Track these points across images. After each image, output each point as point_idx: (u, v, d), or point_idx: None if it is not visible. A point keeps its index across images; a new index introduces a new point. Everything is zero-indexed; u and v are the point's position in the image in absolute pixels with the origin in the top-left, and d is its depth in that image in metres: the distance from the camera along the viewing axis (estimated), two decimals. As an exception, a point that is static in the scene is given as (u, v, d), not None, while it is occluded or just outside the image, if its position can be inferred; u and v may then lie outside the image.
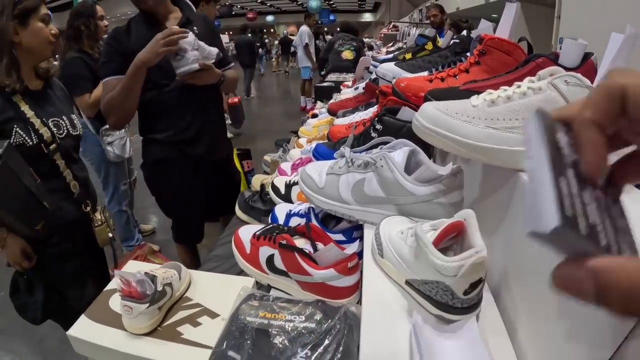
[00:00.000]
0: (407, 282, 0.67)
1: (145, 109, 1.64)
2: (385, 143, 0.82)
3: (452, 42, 1.12)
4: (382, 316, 0.64)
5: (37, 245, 1.41)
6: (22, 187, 1.24)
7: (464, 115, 0.68)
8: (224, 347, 0.70)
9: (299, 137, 1.85)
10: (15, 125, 1.29)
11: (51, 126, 1.38)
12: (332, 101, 1.95)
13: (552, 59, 0.75)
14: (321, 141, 1.31)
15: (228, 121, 4.79)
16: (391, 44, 4.42)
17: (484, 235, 0.61)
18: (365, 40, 7.91)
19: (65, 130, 1.44)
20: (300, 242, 0.84)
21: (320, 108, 2.45)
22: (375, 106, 1.20)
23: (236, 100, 5.15)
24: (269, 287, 0.88)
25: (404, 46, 2.08)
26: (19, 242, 1.37)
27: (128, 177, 2.80)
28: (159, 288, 0.80)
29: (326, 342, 0.70)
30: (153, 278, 0.80)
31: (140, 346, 0.79)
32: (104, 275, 1.69)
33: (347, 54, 4.95)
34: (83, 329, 0.84)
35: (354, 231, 0.87)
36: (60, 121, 1.43)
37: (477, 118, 0.67)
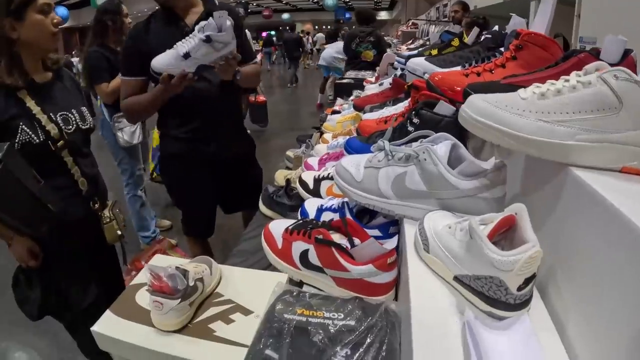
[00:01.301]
0: (456, 278, 0.66)
1: (163, 105, 1.65)
2: (424, 137, 0.81)
3: (483, 37, 1.12)
4: (432, 314, 0.64)
5: (43, 243, 1.39)
6: (24, 191, 1.21)
7: (513, 108, 0.67)
8: (261, 345, 0.69)
9: (322, 133, 1.85)
10: (20, 123, 1.26)
11: (59, 121, 1.35)
12: (352, 97, 1.95)
13: (594, 55, 0.75)
14: (347, 136, 1.30)
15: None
16: (410, 41, 4.41)
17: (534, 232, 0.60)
18: (385, 38, 7.98)
19: (75, 125, 1.41)
20: (336, 238, 0.83)
21: (342, 104, 2.47)
22: (406, 101, 1.20)
23: (261, 99, 5.06)
24: (300, 284, 0.87)
25: (427, 43, 2.08)
26: (25, 241, 1.35)
27: (142, 163, 3.00)
28: (191, 283, 0.79)
29: (368, 340, 0.70)
30: (184, 273, 0.79)
31: (170, 343, 0.78)
32: (114, 272, 1.69)
33: (367, 55, 4.86)
34: (108, 325, 0.83)
35: (390, 226, 0.87)
36: (70, 115, 1.40)
37: (527, 111, 0.67)
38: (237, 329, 0.80)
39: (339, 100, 2.72)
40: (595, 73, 0.66)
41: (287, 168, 1.81)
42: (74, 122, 1.41)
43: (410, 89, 1.06)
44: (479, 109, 0.69)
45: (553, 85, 0.68)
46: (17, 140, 1.25)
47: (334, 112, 2.25)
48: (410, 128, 0.94)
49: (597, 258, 0.56)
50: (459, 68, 1.01)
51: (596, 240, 0.57)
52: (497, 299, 0.62)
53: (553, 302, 0.67)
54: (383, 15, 29.71)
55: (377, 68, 2.56)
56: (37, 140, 1.28)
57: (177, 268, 0.78)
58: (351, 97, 2.25)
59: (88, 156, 1.52)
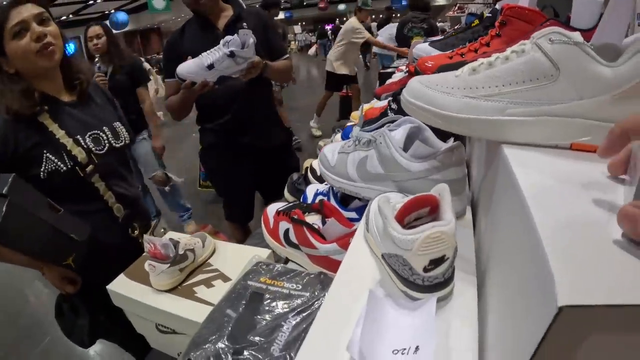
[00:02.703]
0: (382, 256, 0.69)
1: (198, 101, 1.88)
2: (392, 122, 0.83)
3: (485, 16, 1.05)
4: (352, 285, 0.67)
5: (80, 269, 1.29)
6: (38, 224, 1.12)
7: (443, 87, 0.67)
8: (223, 304, 0.80)
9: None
10: (45, 151, 1.18)
11: (88, 142, 1.27)
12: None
13: (563, 22, 0.68)
14: None
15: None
16: (457, 26, 4.04)
17: (483, 217, 0.59)
18: (439, 24, 7.39)
19: (107, 144, 1.33)
20: (314, 218, 0.90)
21: None
22: None
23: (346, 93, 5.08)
24: (286, 260, 0.96)
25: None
26: (57, 269, 1.27)
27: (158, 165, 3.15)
28: (180, 252, 0.97)
29: (314, 307, 0.75)
30: (176, 243, 0.97)
31: (161, 300, 0.97)
32: None
33: (417, 40, 4.59)
34: (121, 285, 1.05)
35: (365, 209, 0.90)
36: (101, 134, 1.32)
37: (455, 88, 0.66)
38: (214, 292, 0.95)
39: None
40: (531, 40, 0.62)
41: None
42: (105, 141, 1.33)
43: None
44: (412, 90, 0.70)
45: (488, 59, 0.65)
46: (42, 170, 1.19)
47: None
48: (390, 114, 0.95)
49: (511, 252, 0.51)
50: (457, 50, 0.97)
51: (513, 231, 0.51)
52: (406, 278, 0.63)
53: (484, 292, 0.64)
54: (440, 1, 27.23)
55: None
56: (65, 168, 1.21)
57: (170, 239, 0.96)
58: None
59: (125, 177, 1.44)
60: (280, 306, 0.77)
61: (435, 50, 1.03)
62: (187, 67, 1.56)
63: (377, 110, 1.22)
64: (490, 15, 1.03)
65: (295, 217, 0.89)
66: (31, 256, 1.19)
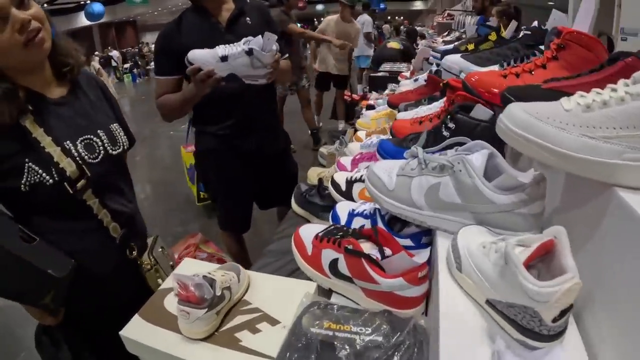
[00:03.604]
0: (488, 302, 0.66)
1: (198, 103, 1.71)
2: (460, 144, 0.79)
3: (522, 34, 1.07)
4: (461, 338, 0.64)
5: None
6: (6, 259, 0.93)
7: (556, 121, 0.64)
8: (287, 358, 0.71)
9: (356, 130, 1.86)
10: (27, 160, 0.99)
11: (80, 150, 1.08)
12: (387, 92, 1.93)
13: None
14: (382, 135, 1.30)
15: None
16: (446, 33, 4.30)
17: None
18: (418, 29, 7.94)
19: (102, 151, 1.13)
20: (367, 247, 0.84)
21: (376, 99, 2.48)
22: (441, 100, 1.17)
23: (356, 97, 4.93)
24: (330, 291, 0.89)
25: (464, 36, 2.02)
26: None
27: None
28: (218, 293, 0.82)
29: (395, 358, 0.70)
30: (212, 282, 0.82)
31: (196, 351, 0.81)
32: None
33: (394, 44, 4.84)
34: (136, 329, 0.87)
35: (423, 236, 0.87)
36: (94, 139, 1.12)
37: (570, 124, 0.63)
38: (263, 339, 0.81)
39: (374, 94, 2.74)
40: (645, 83, 0.62)
41: (321, 165, 1.84)
42: (100, 147, 1.12)
43: (445, 87, 1.03)
44: (518, 120, 0.66)
45: (599, 95, 0.64)
46: (23, 182, 0.99)
47: (370, 107, 2.26)
48: (445, 133, 0.92)
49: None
50: (496, 67, 0.97)
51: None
52: (530, 329, 0.61)
53: (588, 331, 0.65)
54: (418, 5, 29.99)
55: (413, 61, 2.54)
56: (51, 181, 1.01)
57: (204, 277, 0.81)
58: (386, 92, 2.24)
59: (122, 190, 1.24)
60: (355, 357, 0.71)
61: (469, 63, 1.01)
62: (200, 54, 1.44)
63: (407, 122, 1.17)
64: (528, 32, 1.04)
65: (350, 247, 0.82)
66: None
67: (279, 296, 0.90)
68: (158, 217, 3.96)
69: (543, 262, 0.65)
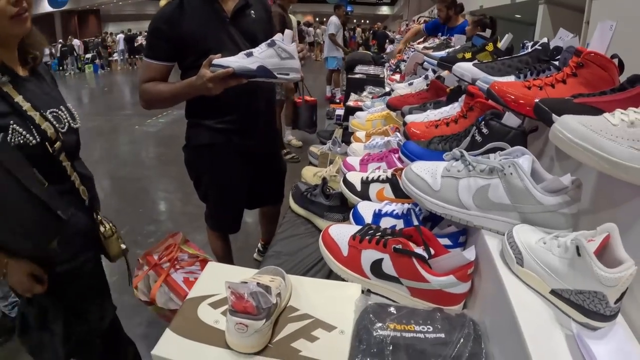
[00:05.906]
0: (553, 292, 0.75)
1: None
2: (499, 149, 0.88)
3: (533, 49, 1.21)
4: (538, 326, 0.72)
5: (46, 263, 1.22)
6: (26, 195, 1.04)
7: (607, 133, 0.77)
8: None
9: (344, 129, 1.90)
10: (11, 121, 1.10)
11: (52, 120, 1.20)
12: (365, 94, 2.01)
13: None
14: (385, 137, 1.34)
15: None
16: (422, 39, 4.52)
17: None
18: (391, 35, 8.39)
19: (67, 124, 1.26)
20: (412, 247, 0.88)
21: (356, 100, 2.60)
22: (451, 105, 1.27)
23: (310, 99, 4.64)
24: (368, 292, 0.91)
25: (451, 43, 2.18)
26: (24, 265, 1.18)
27: None
28: (274, 300, 0.78)
29: (466, 353, 0.76)
30: (267, 289, 0.77)
31: None
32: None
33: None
34: (171, 346, 0.78)
35: (460, 236, 0.94)
36: (60, 113, 1.26)
37: (620, 137, 0.77)
38: (323, 346, 0.79)
39: (353, 96, 2.85)
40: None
41: (311, 164, 1.86)
42: (65, 120, 1.26)
43: (453, 92, 1.13)
44: (575, 131, 0.78)
45: (637, 114, 0.78)
46: (9, 142, 1.10)
47: (351, 109, 2.35)
48: (478, 138, 1.01)
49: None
50: (512, 78, 1.10)
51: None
52: (595, 311, 0.72)
53: (628, 312, 0.79)
54: (384, 10, 31.85)
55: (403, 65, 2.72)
56: (34, 142, 1.13)
57: (258, 284, 0.76)
58: (364, 93, 2.33)
59: (82, 161, 1.39)
60: (426, 355, 0.74)
61: (482, 72, 1.11)
62: (226, 59, 1.43)
63: (422, 126, 1.21)
64: (539, 48, 1.17)
65: (399, 246, 0.85)
66: (11, 237, 1.09)
67: (323, 300, 0.89)
68: (127, 215, 3.77)
69: (598, 255, 0.77)
